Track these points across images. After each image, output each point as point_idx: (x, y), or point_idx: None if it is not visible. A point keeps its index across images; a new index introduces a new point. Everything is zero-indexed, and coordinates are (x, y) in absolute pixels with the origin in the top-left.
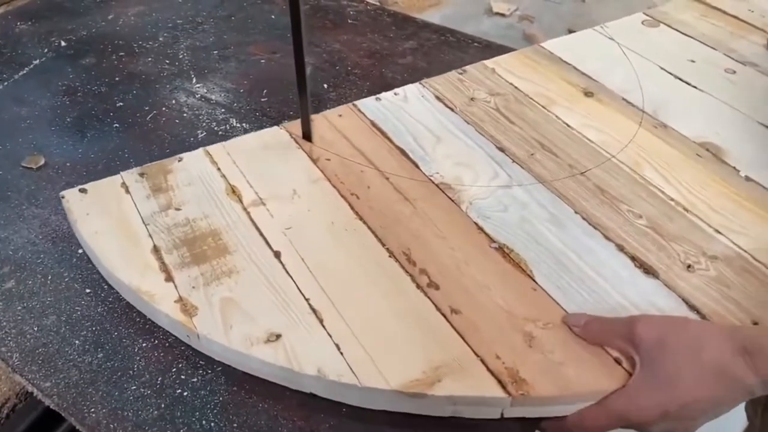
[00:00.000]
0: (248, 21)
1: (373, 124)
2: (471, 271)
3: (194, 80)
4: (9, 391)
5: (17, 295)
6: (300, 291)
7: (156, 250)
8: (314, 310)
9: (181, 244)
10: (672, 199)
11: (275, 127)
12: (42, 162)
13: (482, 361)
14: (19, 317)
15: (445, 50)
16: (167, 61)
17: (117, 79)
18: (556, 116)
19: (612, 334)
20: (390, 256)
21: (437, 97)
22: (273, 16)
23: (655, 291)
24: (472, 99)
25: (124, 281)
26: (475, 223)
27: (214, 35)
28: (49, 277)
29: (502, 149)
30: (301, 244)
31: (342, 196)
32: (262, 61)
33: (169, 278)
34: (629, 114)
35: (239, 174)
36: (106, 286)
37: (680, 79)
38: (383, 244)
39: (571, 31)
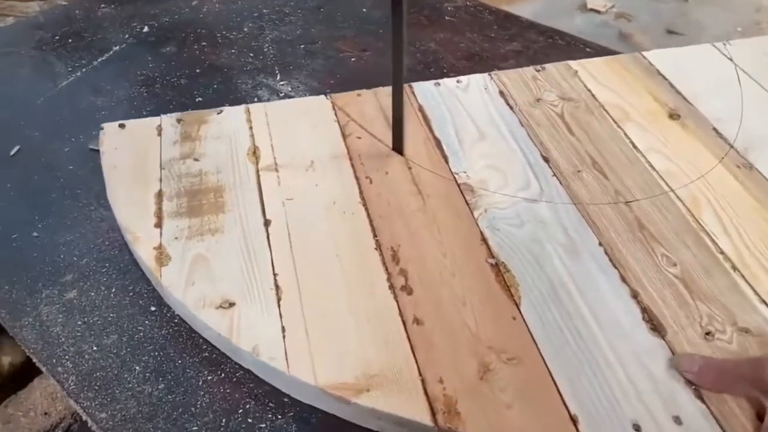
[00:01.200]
0: (338, 14)
1: (420, 109)
2: (453, 283)
3: (278, 76)
4: (65, 410)
5: (78, 307)
6: (272, 264)
7: (159, 194)
8: (277, 287)
9: (184, 194)
10: (722, 252)
11: (322, 96)
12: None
13: (423, 381)
14: (79, 334)
15: (553, 54)
16: (251, 54)
17: (198, 71)
18: (625, 134)
19: (735, 379)
20: (376, 248)
21: (501, 92)
22: (364, 10)
23: (653, 352)
24: (538, 100)
25: (117, 217)
26: (481, 233)
27: (302, 28)
28: (113, 290)
29: (547, 159)
30: (294, 218)
31: (356, 177)
32: (352, 59)
33: (159, 224)
34: (713, 146)
35: (267, 136)
36: (169, 307)
37: None
38: (375, 235)
39: (670, 32)
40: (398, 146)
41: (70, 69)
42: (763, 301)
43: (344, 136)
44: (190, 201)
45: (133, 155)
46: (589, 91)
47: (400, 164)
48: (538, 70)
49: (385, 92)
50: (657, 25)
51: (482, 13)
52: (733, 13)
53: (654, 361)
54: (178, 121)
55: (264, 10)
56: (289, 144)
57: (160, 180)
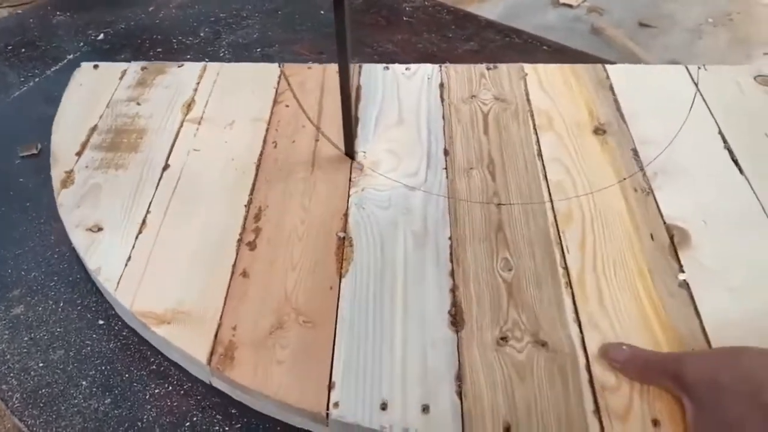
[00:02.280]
0: (295, 17)
1: (358, 88)
2: (295, 248)
3: None
4: (11, 429)
5: (25, 323)
6: (150, 203)
7: (93, 128)
8: (143, 222)
9: (113, 131)
10: (564, 267)
11: (275, 64)
12: (39, 147)
13: (219, 325)
14: (25, 350)
15: (510, 54)
16: (207, 60)
17: None
18: (538, 141)
19: (657, 373)
20: (245, 206)
21: (441, 84)
22: (322, 12)
23: (440, 343)
24: (472, 96)
25: (51, 142)
26: (347, 209)
27: (259, 31)
28: (61, 304)
29: (447, 152)
30: (190, 167)
31: (264, 140)
32: (309, 62)
33: (80, 153)
34: (621, 166)
35: (207, 92)
36: (119, 318)
37: (734, 160)
38: (251, 193)
39: (642, 25)
40: (350, 151)
41: (22, 79)
42: (578, 321)
43: (274, 103)
44: (114, 138)
45: (90, 93)
46: (527, 95)
47: (309, 136)
48: (489, 68)
49: (334, 69)
50: (629, 18)
51: (440, 13)
52: (704, 5)
53: (436, 352)
54: (143, 68)
55: (221, 15)
56: (222, 102)
57: (101, 116)
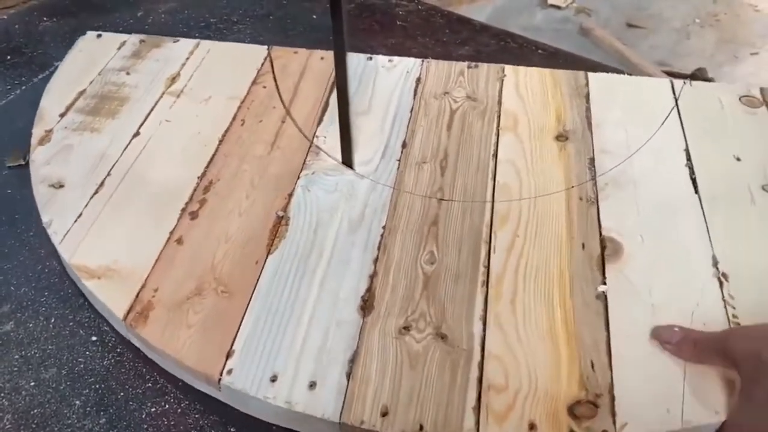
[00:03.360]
0: (287, 21)
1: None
2: (234, 222)
3: None
4: None
5: (15, 340)
6: (113, 166)
7: (81, 92)
8: (102, 184)
9: (98, 97)
10: (486, 266)
11: (264, 46)
12: (27, 157)
13: (143, 286)
14: (16, 369)
15: (506, 58)
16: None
17: None
18: (497, 142)
19: (707, 351)
20: (199, 177)
21: (418, 79)
22: (314, 16)
23: (345, 325)
24: (445, 93)
25: (41, 102)
26: (293, 189)
27: (250, 36)
28: (52, 320)
29: (405, 145)
30: (158, 136)
31: (233, 118)
32: None
33: (63, 114)
34: (573, 174)
35: (193, 68)
36: (113, 334)
37: (692, 178)
38: (207, 167)
39: (630, 25)
40: (348, 159)
41: (8, 87)
42: (484, 319)
43: (253, 83)
44: (97, 103)
45: (86, 59)
46: (499, 96)
47: (276, 117)
48: (470, 66)
49: (319, 55)
50: (617, 18)
51: (434, 17)
52: (691, 5)
53: (338, 333)
54: (141, 41)
55: (211, 20)
56: (205, 78)
57: (91, 82)
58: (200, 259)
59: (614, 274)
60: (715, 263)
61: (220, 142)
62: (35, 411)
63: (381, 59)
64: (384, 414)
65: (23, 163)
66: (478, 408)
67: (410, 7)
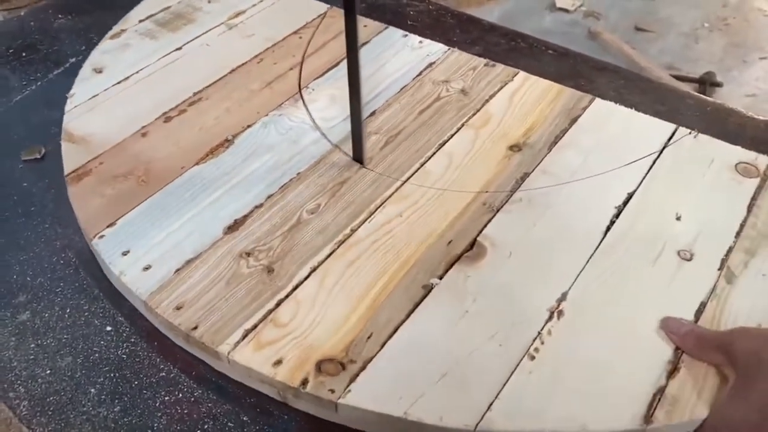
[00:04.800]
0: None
1: (364, 43)
2: (194, 133)
3: None
4: None
5: (32, 329)
6: (143, 68)
7: (166, 8)
8: (126, 78)
9: (175, 14)
10: (349, 232)
11: (327, 6)
12: (43, 151)
13: (95, 158)
14: (32, 357)
15: (516, 57)
16: None
17: None
18: (452, 135)
19: (709, 347)
20: (195, 92)
21: (431, 63)
22: None
23: (214, 247)
24: (445, 81)
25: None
26: (254, 122)
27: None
28: (68, 310)
29: (372, 114)
30: (190, 55)
31: (256, 55)
32: None
33: (143, 20)
34: (495, 181)
35: (258, 10)
36: (128, 324)
37: (609, 224)
38: (207, 86)
39: (638, 29)
40: (359, 156)
41: (24, 83)
42: (313, 269)
43: (293, 33)
44: (171, 19)
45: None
46: (490, 97)
47: (289, 64)
48: (486, 65)
49: (363, 23)
50: (626, 22)
51: (444, 17)
52: (700, 9)
53: (196, 239)
54: None
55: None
56: (260, 19)
57: (179, 2)
58: (147, 153)
59: (457, 275)
60: (560, 300)
61: (232, 71)
62: (51, 398)
63: (413, 39)
64: (178, 308)
65: (39, 157)
66: (251, 330)
67: (421, 7)
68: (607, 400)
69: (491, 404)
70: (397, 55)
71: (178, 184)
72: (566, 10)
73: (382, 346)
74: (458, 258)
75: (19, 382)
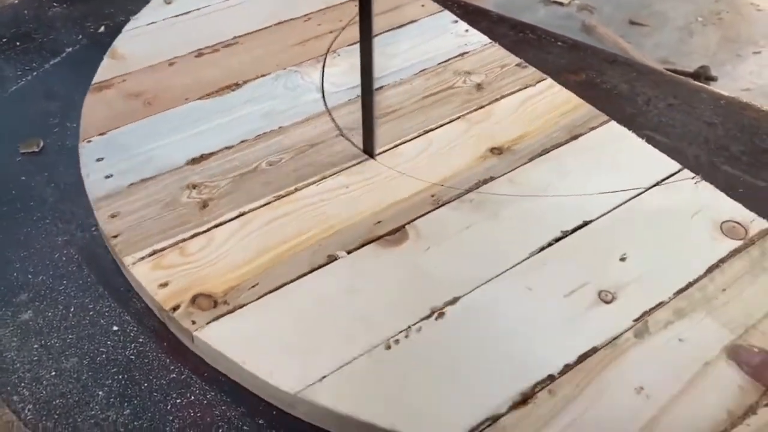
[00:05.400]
0: None
1: (412, 21)
2: (209, 70)
3: None
4: None
5: (35, 330)
6: (178, 15)
7: None
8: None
9: None
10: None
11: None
12: (41, 144)
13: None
14: (36, 358)
15: (525, 49)
16: None
17: None
18: (442, 125)
19: None
20: (210, 48)
21: (463, 53)
22: None
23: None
24: (467, 73)
25: None
26: (268, 72)
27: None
28: (72, 309)
29: (378, 89)
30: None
31: (302, 15)
32: None
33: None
34: (452, 178)
35: None
36: (135, 324)
37: (545, 245)
38: (241, 36)
39: (633, 23)
40: (369, 148)
41: (20, 73)
42: (241, 214)
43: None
44: None
45: None
46: (501, 98)
47: (328, 28)
48: (517, 65)
49: (420, 2)
50: (620, 16)
51: (451, 8)
52: (693, 3)
53: (156, 162)
54: None
55: None
56: None
57: None
58: (165, 81)
59: (366, 253)
60: (449, 303)
61: (279, 23)
62: (57, 401)
63: (461, 26)
64: (113, 216)
65: (36, 150)
66: (159, 251)
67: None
68: (431, 410)
69: (324, 377)
70: (436, 39)
71: (175, 113)
72: (560, 3)
73: (259, 298)
74: (377, 239)
75: (23, 384)
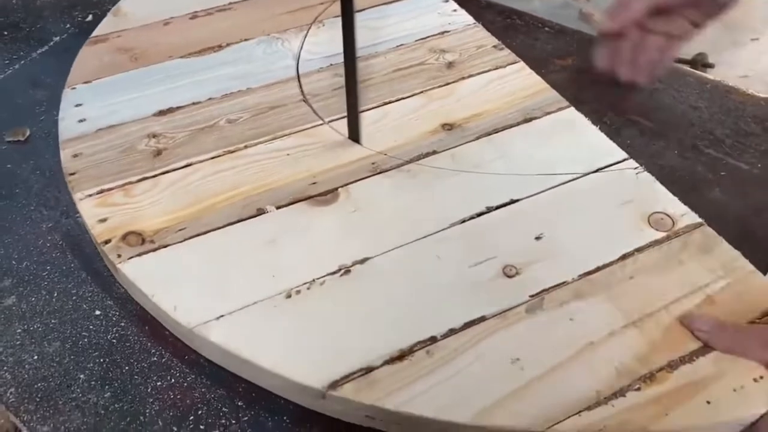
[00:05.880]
0: None
1: None
2: (200, 29)
3: None
4: (5, 424)
5: (17, 314)
6: None
7: None
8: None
9: None
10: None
11: None
12: (28, 133)
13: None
14: (18, 342)
15: (512, 35)
16: None
17: None
18: (400, 100)
19: (751, 342)
20: (205, 11)
21: (446, 31)
22: None
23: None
24: (443, 51)
25: None
26: (252, 37)
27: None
28: (55, 294)
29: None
30: None
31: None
32: None
33: None
34: (401, 149)
35: None
36: (117, 309)
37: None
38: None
39: None
40: (354, 134)
41: (6, 62)
42: (163, 174)
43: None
44: None
45: None
46: (468, 77)
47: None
48: (494, 46)
49: None
50: None
51: None
52: None
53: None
54: None
55: None
56: None
57: None
58: (155, 38)
59: (292, 210)
60: (358, 262)
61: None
62: (39, 384)
63: (451, 6)
64: (75, 155)
65: (22, 139)
66: (106, 191)
67: None
68: (311, 356)
69: (221, 316)
70: (422, 16)
71: (156, 68)
72: None
73: (184, 240)
74: (308, 198)
75: (5, 368)
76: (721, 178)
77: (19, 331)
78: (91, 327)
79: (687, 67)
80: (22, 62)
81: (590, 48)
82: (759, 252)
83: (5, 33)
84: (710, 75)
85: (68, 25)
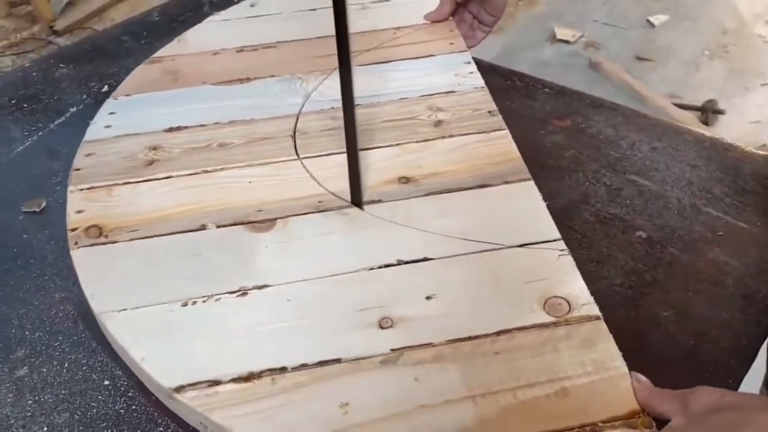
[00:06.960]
0: None
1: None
2: None
3: None
4: None
5: (29, 385)
6: None
7: None
8: None
9: None
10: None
11: None
12: (44, 204)
13: None
14: (29, 413)
15: (513, 96)
16: None
17: None
18: (382, 148)
19: (666, 396)
20: (251, 47)
21: (453, 92)
22: None
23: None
24: (439, 109)
25: None
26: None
27: None
28: (66, 365)
29: (333, 114)
30: (313, 17)
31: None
32: None
33: None
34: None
35: None
36: (125, 378)
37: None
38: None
39: (639, 58)
40: (357, 198)
41: (26, 133)
42: (147, 182)
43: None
44: None
45: None
46: (447, 137)
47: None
48: (489, 112)
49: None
50: (626, 51)
51: None
52: (699, 36)
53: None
54: None
55: None
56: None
57: None
58: (200, 66)
59: (236, 232)
60: (259, 287)
61: (319, 38)
62: None
63: (470, 68)
64: (88, 155)
65: (38, 210)
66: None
67: None
68: (175, 360)
69: (123, 310)
70: (439, 74)
71: (187, 91)
72: (567, 42)
73: (131, 240)
74: (248, 223)
75: None
76: (720, 237)
77: (30, 402)
78: (99, 397)
79: (685, 126)
80: (40, 133)
81: (588, 108)
82: (758, 313)
83: (25, 105)
84: (707, 132)
85: (84, 96)
